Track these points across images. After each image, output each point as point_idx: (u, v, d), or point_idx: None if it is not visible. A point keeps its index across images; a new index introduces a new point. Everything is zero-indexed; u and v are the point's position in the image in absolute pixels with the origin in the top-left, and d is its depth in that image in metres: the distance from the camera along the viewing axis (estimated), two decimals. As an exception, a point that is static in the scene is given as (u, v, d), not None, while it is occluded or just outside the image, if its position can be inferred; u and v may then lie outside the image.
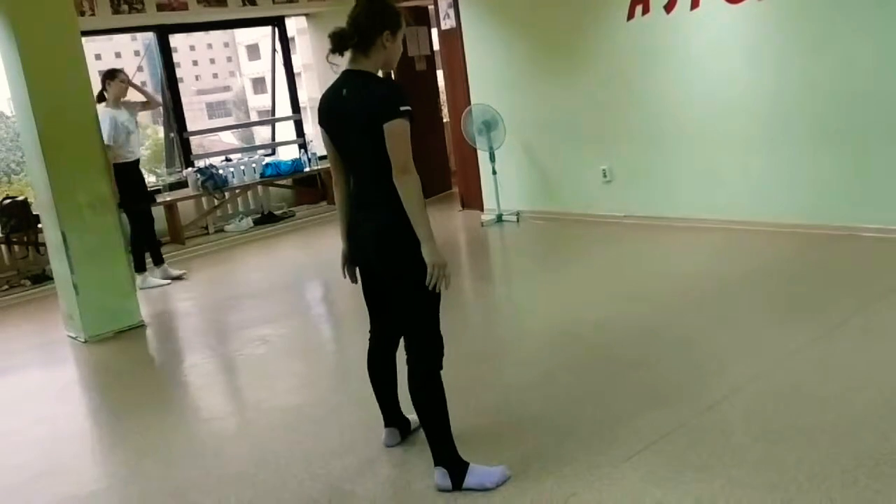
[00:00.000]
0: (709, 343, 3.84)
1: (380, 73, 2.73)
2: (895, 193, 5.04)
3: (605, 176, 6.69)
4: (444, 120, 8.96)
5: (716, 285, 4.66)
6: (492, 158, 7.14)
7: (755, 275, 4.81)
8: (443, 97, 8.73)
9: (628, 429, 3.02)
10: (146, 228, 6.54)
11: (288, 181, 8.90)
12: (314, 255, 7.15)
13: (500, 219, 7.27)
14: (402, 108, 2.53)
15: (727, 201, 5.90)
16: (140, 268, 6.44)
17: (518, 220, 7.20)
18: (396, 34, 2.68)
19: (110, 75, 6.24)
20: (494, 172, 7.18)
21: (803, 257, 5.01)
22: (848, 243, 5.10)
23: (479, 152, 7.51)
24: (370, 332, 3.01)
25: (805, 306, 4.17)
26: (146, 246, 6.59)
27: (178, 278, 6.68)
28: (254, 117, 20.05)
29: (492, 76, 7.32)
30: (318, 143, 9.26)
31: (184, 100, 8.60)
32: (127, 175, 6.20)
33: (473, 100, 7.38)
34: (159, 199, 7.71)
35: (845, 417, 2.91)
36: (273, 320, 5.24)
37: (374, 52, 2.66)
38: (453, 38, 7.63)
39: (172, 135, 8.40)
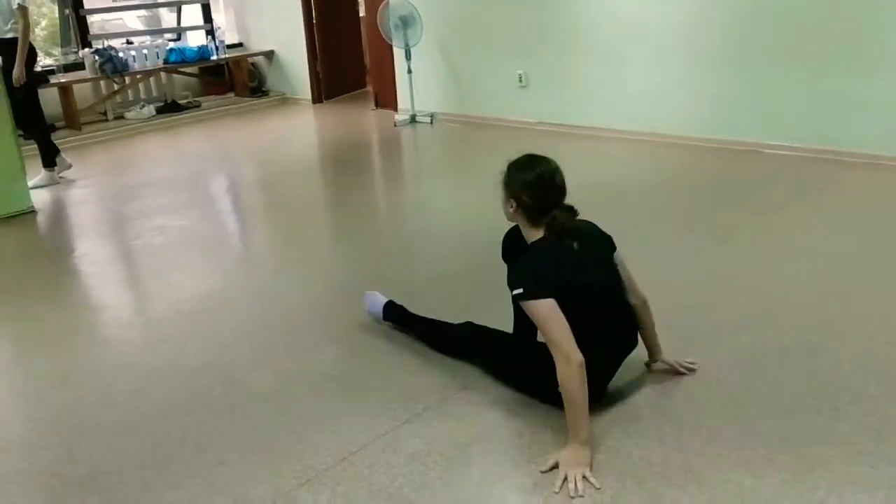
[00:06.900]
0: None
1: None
2: (797, 112, 5.18)
3: (520, 81, 6.62)
4: (361, 14, 8.64)
5: (618, 194, 4.71)
6: (408, 57, 6.95)
7: (657, 185, 4.89)
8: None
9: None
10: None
11: (194, 69, 8.47)
12: (219, 147, 6.86)
13: (413, 119, 7.14)
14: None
15: (638, 113, 5.93)
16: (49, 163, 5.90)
17: (432, 122, 7.09)
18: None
19: None
20: (410, 71, 7.01)
21: (705, 171, 5.12)
22: (750, 159, 5.24)
23: (394, 51, 7.30)
24: None
25: (699, 216, 4.29)
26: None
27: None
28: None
29: (411, -30, 7.06)
30: (227, 30, 8.82)
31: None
32: None
33: (391, -7, 7.12)
34: (53, 80, 7.23)
35: (723, 322, 3.02)
36: (172, 211, 5.06)
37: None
38: (373, -73, 7.31)
39: (67, 11, 7.84)
